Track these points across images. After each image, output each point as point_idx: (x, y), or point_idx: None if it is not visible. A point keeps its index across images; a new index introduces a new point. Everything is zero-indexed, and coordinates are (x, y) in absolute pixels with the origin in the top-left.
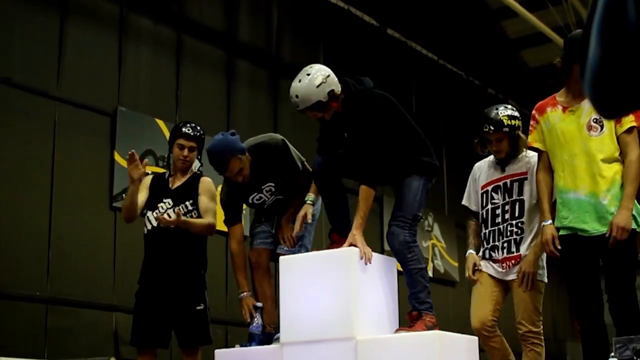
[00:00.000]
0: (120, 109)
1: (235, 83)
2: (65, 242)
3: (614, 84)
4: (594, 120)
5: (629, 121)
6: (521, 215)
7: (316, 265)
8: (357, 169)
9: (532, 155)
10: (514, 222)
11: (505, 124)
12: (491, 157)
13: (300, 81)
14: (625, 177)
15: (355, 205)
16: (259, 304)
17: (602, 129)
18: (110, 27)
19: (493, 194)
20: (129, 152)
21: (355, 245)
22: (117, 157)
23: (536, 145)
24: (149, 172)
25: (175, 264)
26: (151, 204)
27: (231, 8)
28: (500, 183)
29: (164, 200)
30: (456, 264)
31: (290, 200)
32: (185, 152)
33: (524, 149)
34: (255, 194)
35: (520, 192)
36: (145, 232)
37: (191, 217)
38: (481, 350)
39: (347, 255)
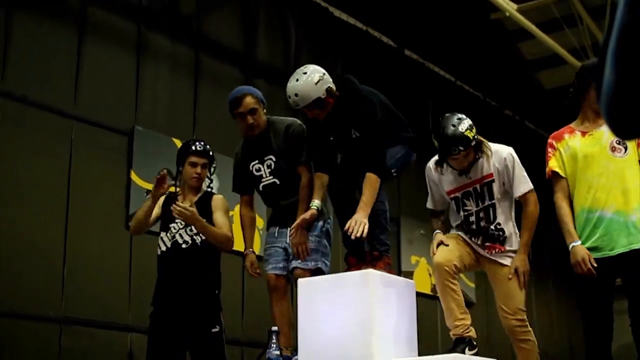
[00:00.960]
0: (137, 128)
1: None
2: (80, 261)
3: (629, 107)
4: (617, 142)
5: None
6: (495, 218)
7: (334, 288)
8: (367, 158)
9: (493, 154)
10: (491, 225)
11: (471, 137)
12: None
13: (297, 80)
14: None
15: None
16: (275, 328)
17: (626, 150)
18: (128, 45)
19: (465, 200)
20: (162, 172)
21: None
22: (133, 176)
23: (556, 170)
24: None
25: (189, 286)
26: (163, 225)
27: (249, 28)
28: (471, 189)
29: (176, 221)
30: (473, 285)
31: (293, 198)
32: (198, 169)
33: (489, 156)
34: (257, 162)
35: (491, 196)
36: (159, 253)
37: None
38: None
39: (365, 278)
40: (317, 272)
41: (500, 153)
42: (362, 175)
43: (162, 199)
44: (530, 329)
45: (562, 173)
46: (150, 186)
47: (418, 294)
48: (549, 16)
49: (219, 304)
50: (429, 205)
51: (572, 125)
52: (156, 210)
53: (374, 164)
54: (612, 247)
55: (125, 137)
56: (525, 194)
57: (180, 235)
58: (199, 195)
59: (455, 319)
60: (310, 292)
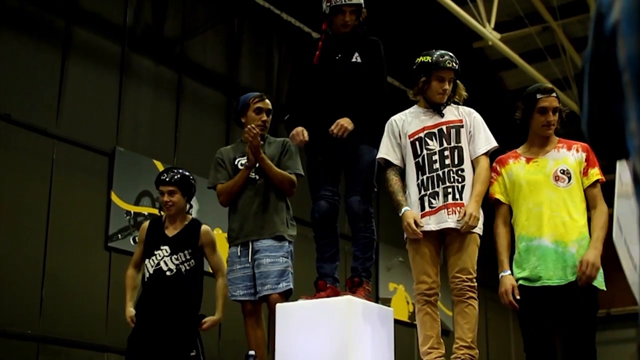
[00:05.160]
0: (119, 149)
1: (234, 126)
2: (58, 281)
3: (604, 130)
4: (561, 172)
5: (595, 174)
6: (461, 162)
7: (313, 314)
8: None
9: (464, 107)
10: (454, 169)
11: (457, 64)
12: (412, 109)
13: None
14: (595, 224)
15: (347, 250)
16: (252, 352)
17: (569, 180)
18: (112, 66)
19: (427, 139)
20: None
21: None
22: (113, 197)
23: (497, 196)
24: (146, 214)
25: (170, 313)
26: (148, 252)
27: (233, 52)
28: (435, 130)
29: (162, 248)
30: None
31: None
32: (166, 197)
33: (461, 97)
34: (243, 158)
35: (458, 139)
36: (145, 279)
37: (190, 265)
38: None
39: (343, 305)
40: (289, 292)
41: (469, 108)
42: (357, 98)
43: (144, 230)
44: (476, 291)
45: (503, 199)
46: (130, 207)
47: (395, 321)
48: (532, 46)
49: (197, 329)
50: (384, 155)
51: (518, 150)
52: (142, 237)
53: (379, 100)
54: (550, 277)
55: (106, 157)
56: (489, 150)
57: (165, 263)
58: (184, 223)
59: (430, 347)
60: (288, 317)
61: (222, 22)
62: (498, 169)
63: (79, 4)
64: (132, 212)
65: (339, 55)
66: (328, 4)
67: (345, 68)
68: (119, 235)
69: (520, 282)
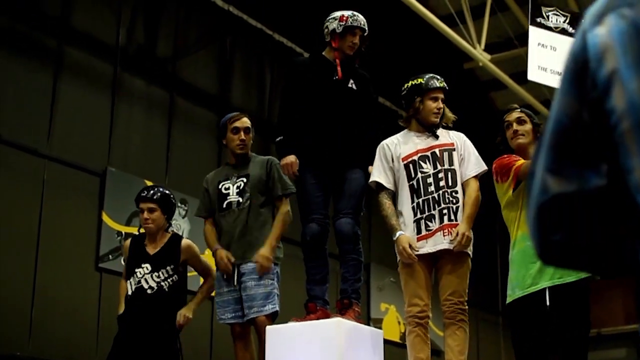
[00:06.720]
0: (110, 169)
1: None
2: (49, 301)
3: (553, 228)
4: None
5: None
6: (454, 184)
7: (303, 336)
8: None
9: (454, 132)
10: (449, 190)
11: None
12: (403, 132)
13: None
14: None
15: (336, 270)
16: None
17: None
18: (104, 86)
19: (421, 162)
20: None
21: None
22: (105, 217)
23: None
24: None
25: (150, 332)
26: (129, 270)
27: (225, 72)
28: (428, 153)
29: (142, 266)
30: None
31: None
32: (145, 214)
33: (449, 120)
34: (227, 182)
35: (451, 162)
36: (127, 298)
37: (172, 280)
38: None
39: (333, 327)
40: (275, 314)
41: (459, 132)
42: (359, 128)
43: (127, 246)
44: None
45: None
46: (121, 227)
47: (387, 342)
48: (522, 67)
49: (180, 352)
50: (377, 178)
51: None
52: (126, 256)
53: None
54: (551, 276)
55: (98, 177)
56: (479, 173)
57: (146, 281)
58: (164, 240)
59: None
60: (278, 339)
61: (214, 41)
62: (514, 156)
63: (70, 24)
64: (123, 232)
65: (335, 77)
66: (342, 23)
67: (342, 91)
68: (110, 256)
69: (517, 293)
